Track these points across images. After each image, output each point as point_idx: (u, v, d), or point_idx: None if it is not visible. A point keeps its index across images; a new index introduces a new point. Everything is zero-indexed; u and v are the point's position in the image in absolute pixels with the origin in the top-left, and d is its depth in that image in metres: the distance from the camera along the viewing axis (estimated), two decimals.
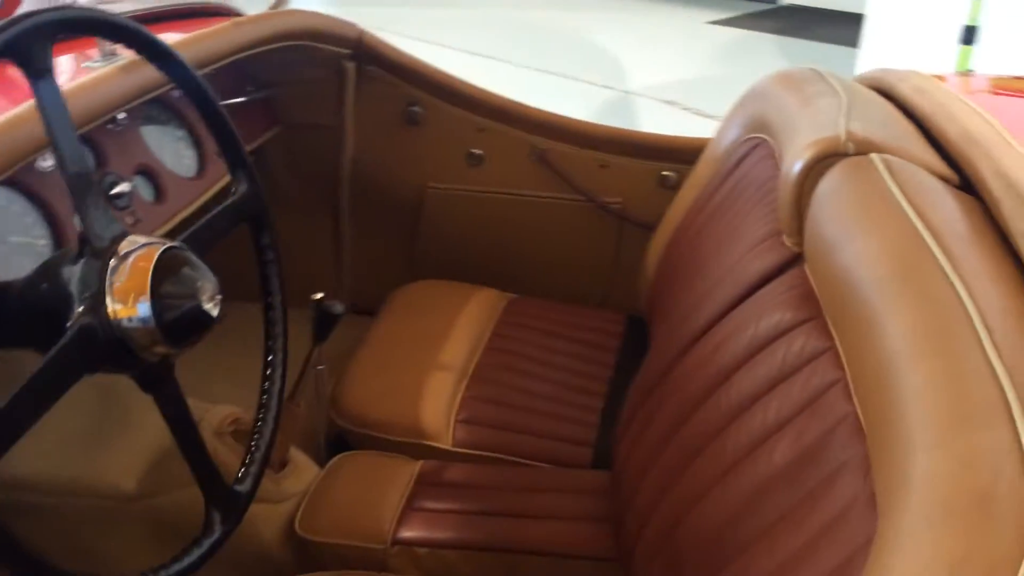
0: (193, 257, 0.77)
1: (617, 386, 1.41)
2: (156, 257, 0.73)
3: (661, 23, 6.50)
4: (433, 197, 1.71)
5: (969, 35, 3.13)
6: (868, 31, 3.71)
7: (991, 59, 3.14)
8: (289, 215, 1.38)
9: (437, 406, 1.32)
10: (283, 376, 0.98)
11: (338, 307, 1.12)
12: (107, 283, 0.71)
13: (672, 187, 1.62)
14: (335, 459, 1.25)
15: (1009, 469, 0.53)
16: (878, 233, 0.81)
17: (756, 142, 1.35)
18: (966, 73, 3.10)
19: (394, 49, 1.58)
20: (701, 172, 1.48)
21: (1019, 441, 0.54)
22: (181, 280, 0.74)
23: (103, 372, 0.73)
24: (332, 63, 1.55)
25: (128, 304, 0.71)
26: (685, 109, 4.48)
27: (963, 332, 0.65)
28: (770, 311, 0.92)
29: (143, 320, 0.72)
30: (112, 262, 0.72)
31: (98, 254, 0.73)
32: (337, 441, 1.35)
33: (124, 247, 0.74)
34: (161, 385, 0.79)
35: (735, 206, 1.28)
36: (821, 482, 0.73)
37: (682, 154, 1.60)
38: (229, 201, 0.93)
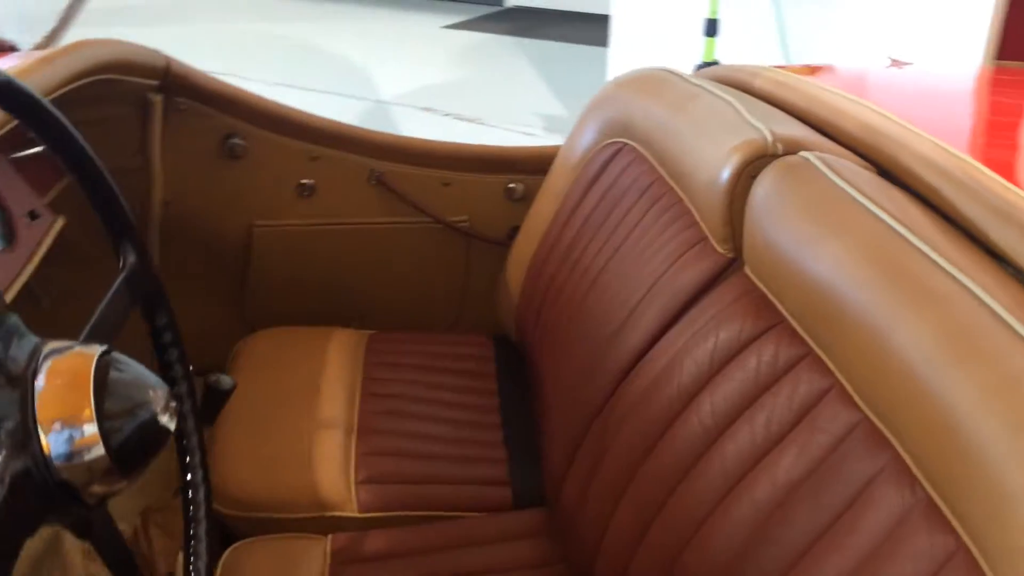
0: (127, 359, 0.61)
1: (510, 414, 1.34)
2: (93, 367, 0.56)
3: (397, 30, 6.45)
4: (261, 236, 1.54)
5: (712, 27, 3.35)
6: (616, 28, 3.87)
7: (730, 49, 3.39)
8: (89, 272, 1.15)
9: (331, 470, 1.18)
10: (206, 478, 0.81)
11: (227, 381, 0.95)
12: (33, 413, 0.54)
13: (519, 199, 1.58)
14: (227, 554, 1.08)
15: None
16: (846, 232, 0.80)
17: (618, 146, 1.33)
18: (713, 63, 3.33)
19: (206, 77, 1.40)
20: (557, 182, 1.44)
21: None
22: (124, 391, 0.58)
23: (45, 525, 0.55)
24: (135, 97, 1.34)
25: (59, 434, 0.54)
26: (446, 115, 4.46)
27: (996, 331, 0.64)
28: (727, 322, 0.89)
29: (82, 451, 0.55)
30: (36, 384, 0.55)
31: (15, 380, 0.55)
32: (219, 532, 1.17)
33: (38, 361, 0.56)
34: (101, 528, 0.61)
35: (613, 214, 1.25)
36: (851, 496, 0.71)
37: (527, 164, 1.56)
38: (121, 278, 0.75)
